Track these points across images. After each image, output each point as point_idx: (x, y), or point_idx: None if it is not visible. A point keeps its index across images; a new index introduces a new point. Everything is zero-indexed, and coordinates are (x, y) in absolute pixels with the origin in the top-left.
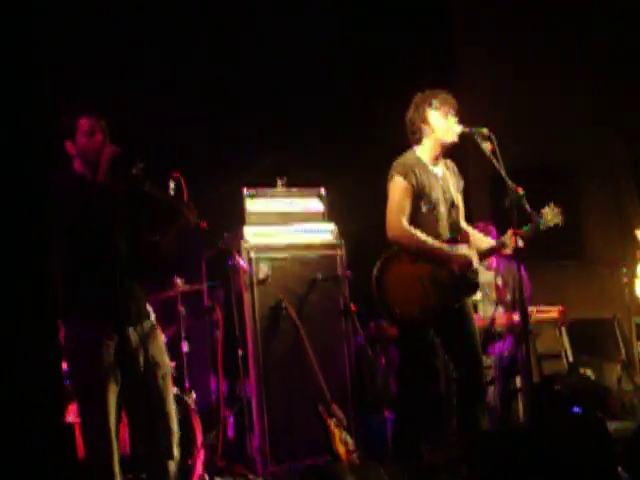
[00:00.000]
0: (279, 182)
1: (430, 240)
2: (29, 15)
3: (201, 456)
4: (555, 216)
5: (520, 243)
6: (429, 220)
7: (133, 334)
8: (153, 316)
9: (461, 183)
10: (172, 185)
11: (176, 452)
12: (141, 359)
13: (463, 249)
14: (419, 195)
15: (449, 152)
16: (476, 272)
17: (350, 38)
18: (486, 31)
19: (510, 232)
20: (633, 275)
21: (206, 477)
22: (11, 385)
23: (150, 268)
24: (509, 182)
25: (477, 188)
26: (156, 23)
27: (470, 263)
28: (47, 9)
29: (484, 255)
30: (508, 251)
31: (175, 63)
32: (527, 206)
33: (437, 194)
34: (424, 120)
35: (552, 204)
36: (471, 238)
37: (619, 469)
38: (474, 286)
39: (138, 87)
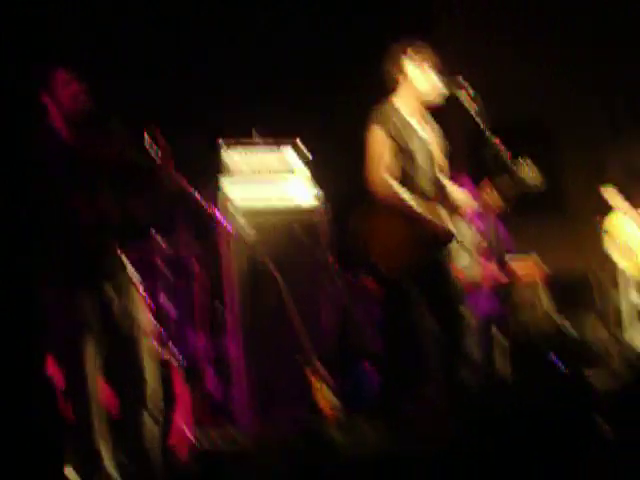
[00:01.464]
0: (254, 133)
1: (410, 197)
2: None
3: (182, 411)
4: (533, 175)
5: (498, 201)
6: (408, 172)
7: (108, 288)
8: (132, 273)
9: (446, 143)
10: (149, 140)
11: (151, 404)
12: (116, 313)
13: (442, 219)
14: (397, 146)
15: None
16: (451, 231)
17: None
18: None
19: (490, 188)
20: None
21: (187, 432)
22: None
23: (126, 225)
24: (489, 136)
25: (454, 142)
26: None
27: (450, 234)
28: None
29: (459, 213)
30: (487, 208)
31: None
32: (506, 160)
33: (415, 145)
34: (401, 71)
35: (524, 164)
36: (448, 193)
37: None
38: (452, 237)
39: (112, 41)
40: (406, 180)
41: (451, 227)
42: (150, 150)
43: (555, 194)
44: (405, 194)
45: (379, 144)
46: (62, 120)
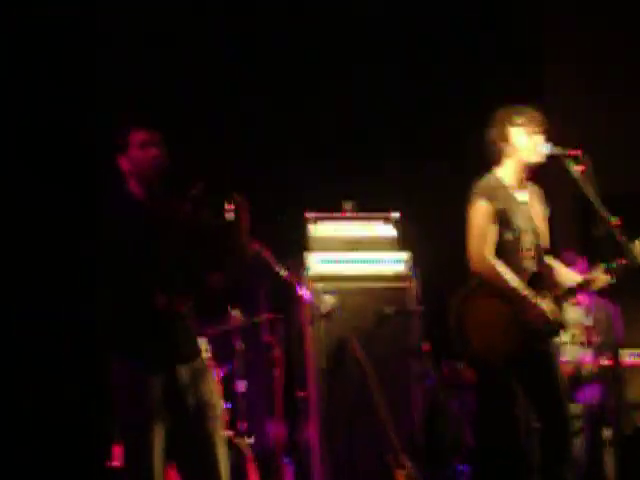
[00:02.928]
0: (346, 206)
1: (514, 279)
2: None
3: None
4: None
5: (611, 280)
6: (512, 249)
7: (183, 372)
8: (207, 352)
9: (547, 210)
10: (232, 208)
11: None
12: (190, 399)
13: (544, 302)
14: (502, 222)
15: (533, 176)
16: (557, 321)
17: (432, 58)
18: (578, 54)
19: (600, 267)
20: None
21: None
22: (56, 426)
23: (203, 300)
24: (602, 210)
25: (564, 216)
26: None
27: (547, 318)
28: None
29: (566, 296)
30: (595, 288)
31: (238, 79)
32: (621, 238)
33: (521, 221)
34: (506, 139)
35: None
36: (555, 273)
37: None
38: (559, 327)
39: (198, 103)
40: (511, 259)
41: (559, 314)
42: (231, 218)
43: None
44: (509, 275)
45: (482, 219)
46: (138, 183)
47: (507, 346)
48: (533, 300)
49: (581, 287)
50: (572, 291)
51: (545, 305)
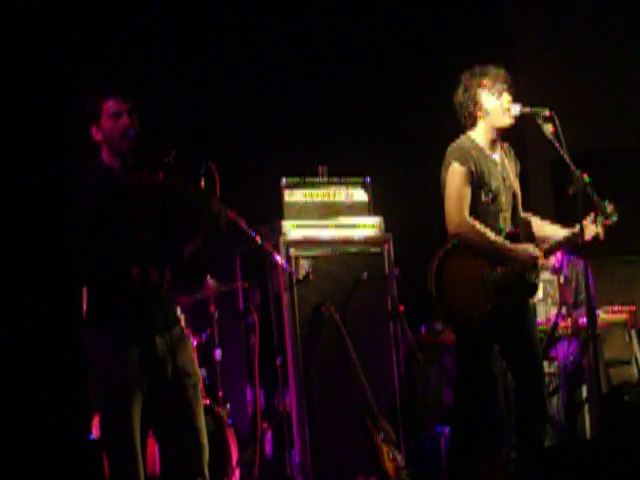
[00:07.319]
0: (320, 171)
1: (493, 235)
2: None
3: (236, 475)
4: (611, 213)
5: (599, 231)
6: (490, 211)
7: (160, 341)
8: (183, 321)
9: (518, 167)
10: (203, 175)
11: (206, 470)
12: (169, 368)
13: (528, 246)
14: (478, 183)
15: (505, 134)
16: (538, 272)
17: (399, 23)
18: (542, 15)
19: (588, 219)
20: None
21: None
22: (34, 400)
23: (178, 270)
24: (573, 167)
25: (537, 174)
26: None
27: (535, 260)
28: None
29: (555, 248)
30: (588, 237)
31: (212, 46)
32: (593, 194)
33: (497, 182)
34: (476, 103)
35: (606, 200)
36: (534, 228)
37: None
38: (534, 287)
39: (171, 71)
40: (489, 220)
41: (536, 271)
42: (204, 187)
43: None
44: (489, 232)
45: (458, 181)
46: (110, 153)
47: (483, 304)
48: (517, 247)
49: (575, 237)
50: (557, 245)
51: (530, 248)
